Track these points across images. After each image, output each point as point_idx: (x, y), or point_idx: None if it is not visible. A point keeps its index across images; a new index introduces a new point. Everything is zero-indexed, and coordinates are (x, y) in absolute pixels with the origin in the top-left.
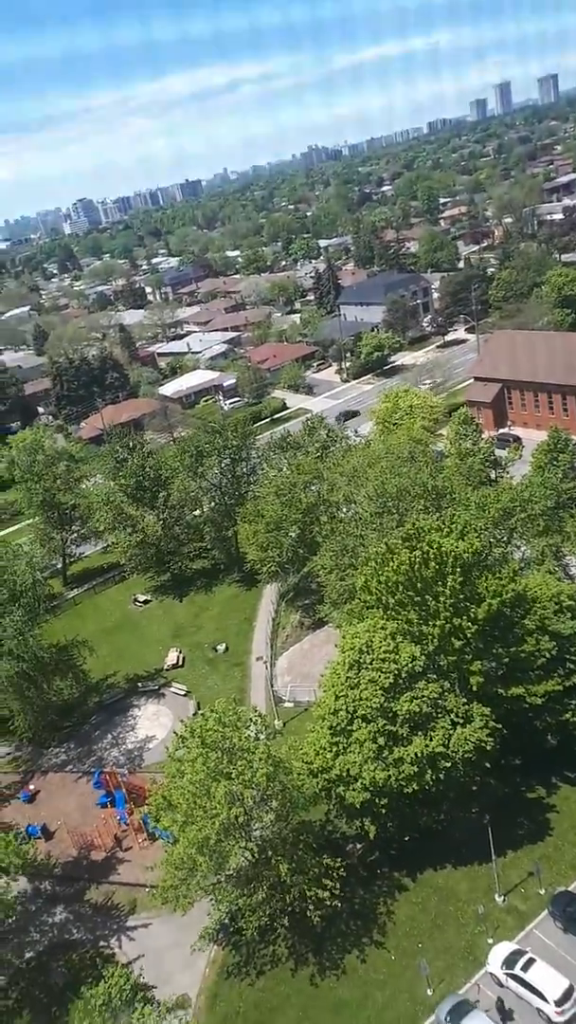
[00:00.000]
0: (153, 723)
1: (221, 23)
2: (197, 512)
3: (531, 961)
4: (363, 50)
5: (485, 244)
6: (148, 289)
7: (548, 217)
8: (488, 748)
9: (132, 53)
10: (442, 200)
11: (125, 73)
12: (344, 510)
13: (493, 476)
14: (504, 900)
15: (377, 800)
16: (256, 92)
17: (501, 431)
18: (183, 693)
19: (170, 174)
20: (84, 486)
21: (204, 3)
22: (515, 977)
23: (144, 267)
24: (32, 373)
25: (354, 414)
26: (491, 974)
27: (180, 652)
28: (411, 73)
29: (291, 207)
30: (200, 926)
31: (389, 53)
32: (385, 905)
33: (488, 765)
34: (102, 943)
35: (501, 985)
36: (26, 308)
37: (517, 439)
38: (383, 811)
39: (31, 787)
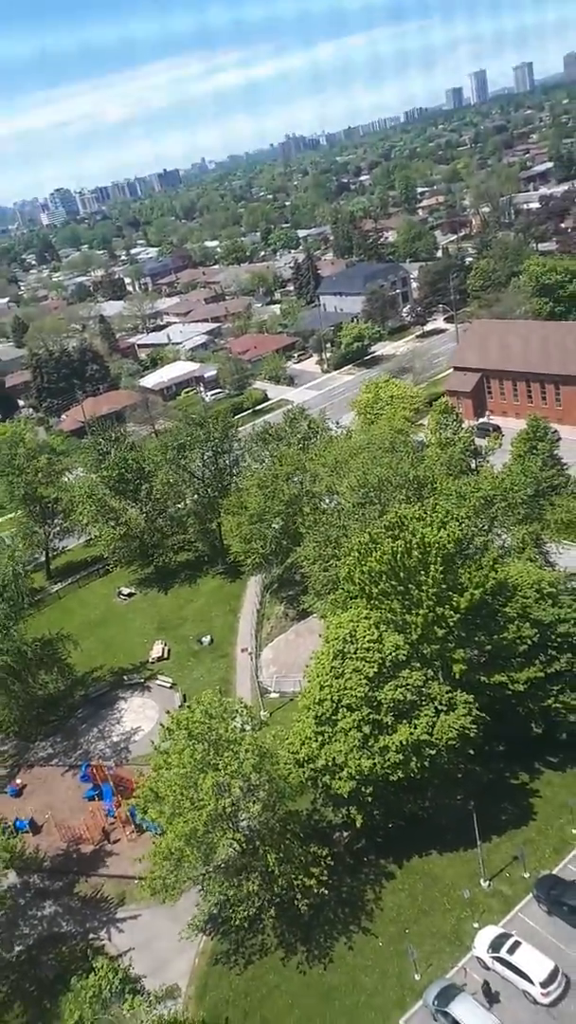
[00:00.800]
0: (139, 716)
1: (198, 12)
2: (180, 504)
3: (516, 944)
4: (342, 39)
5: (463, 233)
6: (127, 280)
7: (525, 206)
8: (472, 735)
9: (108, 42)
10: (420, 190)
11: (101, 63)
12: (327, 501)
13: (473, 465)
14: (489, 885)
15: (363, 788)
16: (233, 81)
17: (481, 420)
18: (169, 685)
19: (148, 164)
20: (66, 479)
21: None
22: (501, 960)
23: (123, 258)
24: (11, 365)
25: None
26: (477, 958)
27: (165, 644)
28: (388, 62)
29: (270, 197)
30: (189, 917)
31: (366, 42)
32: (372, 892)
33: (472, 752)
34: (92, 935)
35: (487, 968)
36: (5, 300)
37: (497, 428)
38: (369, 799)
39: (18, 781)
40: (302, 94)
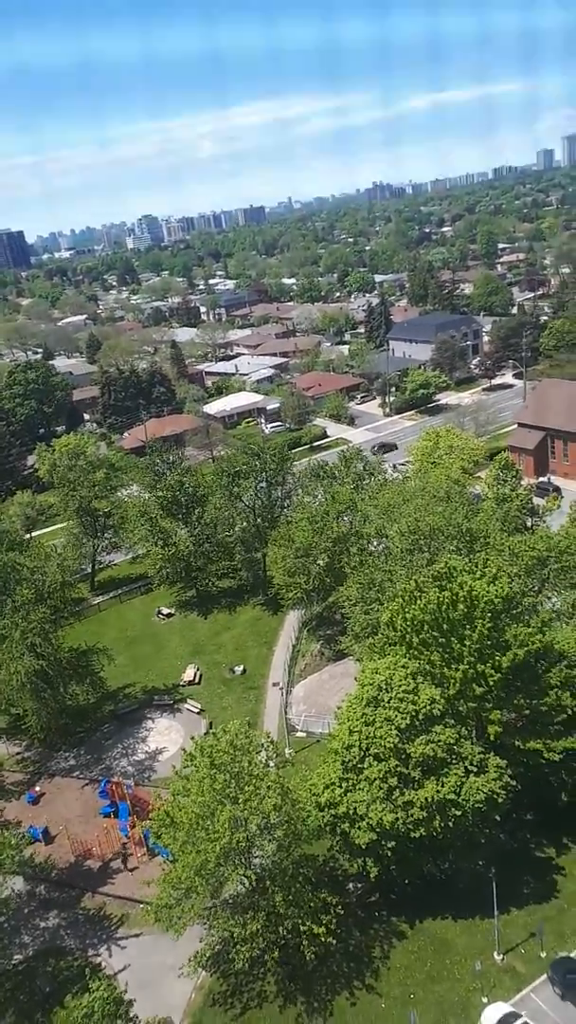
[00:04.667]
0: (164, 737)
1: (299, 56)
2: (229, 532)
3: None
4: (438, 92)
5: (540, 292)
6: (203, 309)
7: None
8: (500, 800)
9: (211, 82)
10: (501, 245)
11: (201, 101)
12: (375, 543)
13: (529, 524)
14: (503, 959)
15: (382, 842)
16: (328, 125)
17: (541, 480)
18: (197, 711)
19: (235, 199)
20: (121, 495)
21: (286, 34)
22: None
23: (201, 287)
24: (82, 380)
25: (391, 447)
26: None
27: (198, 669)
28: (482, 117)
29: (350, 240)
30: (190, 947)
31: (462, 97)
32: (380, 950)
33: (498, 818)
34: (91, 952)
35: None
36: (83, 317)
37: (557, 489)
38: (388, 853)
39: (37, 788)
40: (393, 143)
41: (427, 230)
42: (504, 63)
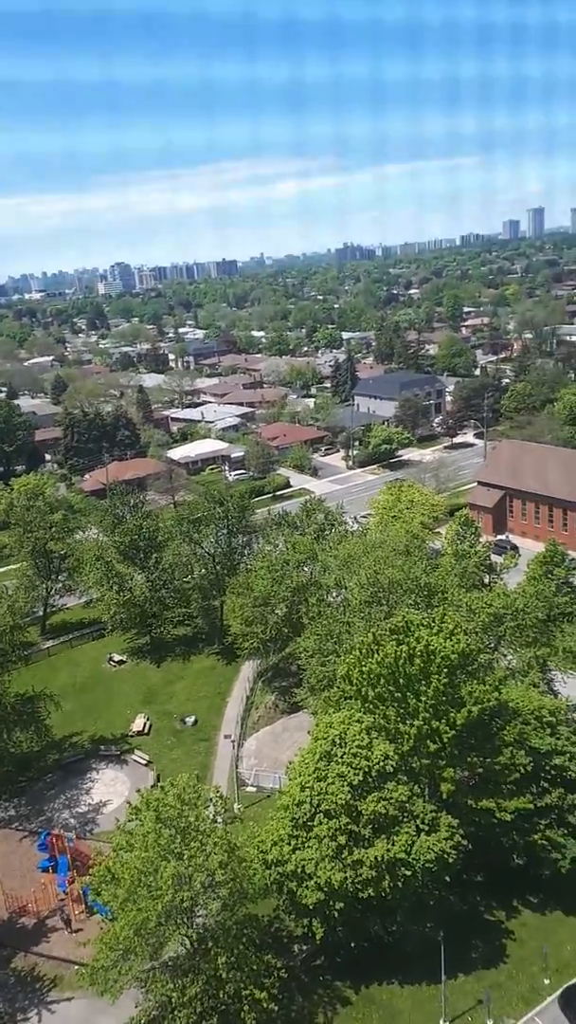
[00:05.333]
0: (110, 789)
1: (278, 122)
2: (187, 578)
3: None
4: (409, 163)
5: (503, 355)
6: (171, 356)
7: (568, 337)
8: (451, 861)
9: (192, 142)
10: (466, 309)
11: (178, 157)
12: (334, 594)
13: (487, 580)
14: None
15: (330, 902)
16: (301, 187)
17: (499, 537)
18: (144, 762)
19: (207, 251)
20: (78, 537)
21: (266, 104)
22: None
23: (170, 335)
24: (45, 420)
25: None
26: None
27: (147, 719)
28: (451, 187)
29: (320, 297)
30: (124, 1011)
31: (432, 167)
32: (324, 1017)
33: (448, 879)
34: (20, 1016)
35: None
36: (50, 358)
37: (514, 547)
38: (335, 914)
39: None
40: (364, 207)
41: (395, 291)
42: (475, 138)
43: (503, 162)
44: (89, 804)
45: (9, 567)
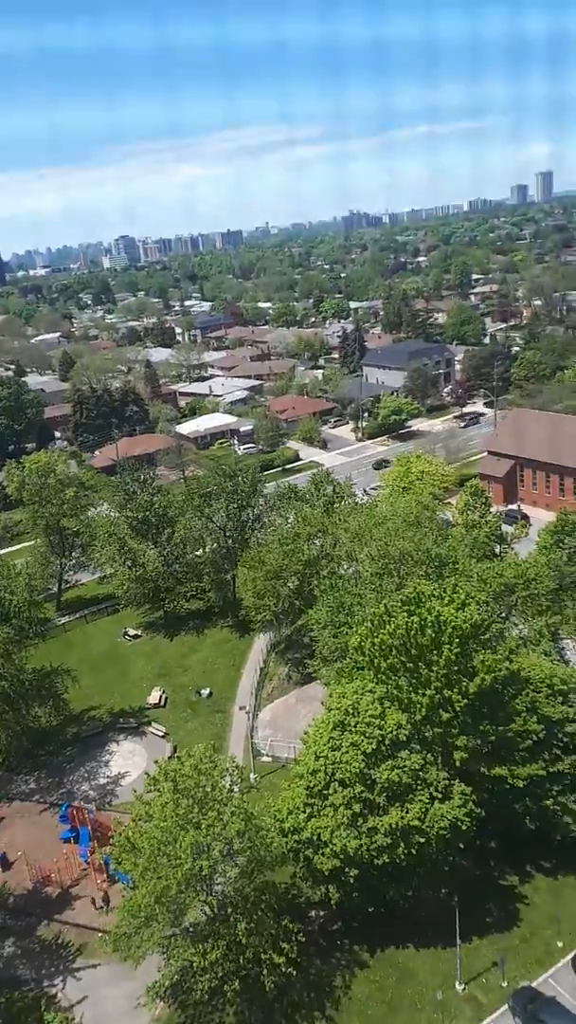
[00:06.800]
0: (128, 761)
1: (285, 85)
2: (199, 552)
3: None
4: (415, 126)
5: (512, 323)
6: (178, 330)
7: None
8: (464, 827)
9: (195, 108)
10: (475, 276)
11: (184, 125)
12: (345, 567)
13: (497, 551)
14: (464, 988)
15: (346, 868)
16: (308, 153)
17: (510, 507)
18: (161, 734)
19: (213, 222)
20: (90, 514)
21: (270, 67)
22: None
23: (177, 308)
24: (53, 398)
25: (386, 463)
26: None
27: (163, 692)
28: (460, 151)
29: (327, 267)
30: (147, 976)
31: (441, 130)
32: (342, 979)
33: (462, 845)
34: (47, 983)
35: None
36: (56, 335)
37: (525, 517)
38: (351, 880)
39: None
40: (372, 173)
41: (402, 259)
42: (486, 100)
43: (511, 127)
44: (108, 776)
45: (22, 545)
